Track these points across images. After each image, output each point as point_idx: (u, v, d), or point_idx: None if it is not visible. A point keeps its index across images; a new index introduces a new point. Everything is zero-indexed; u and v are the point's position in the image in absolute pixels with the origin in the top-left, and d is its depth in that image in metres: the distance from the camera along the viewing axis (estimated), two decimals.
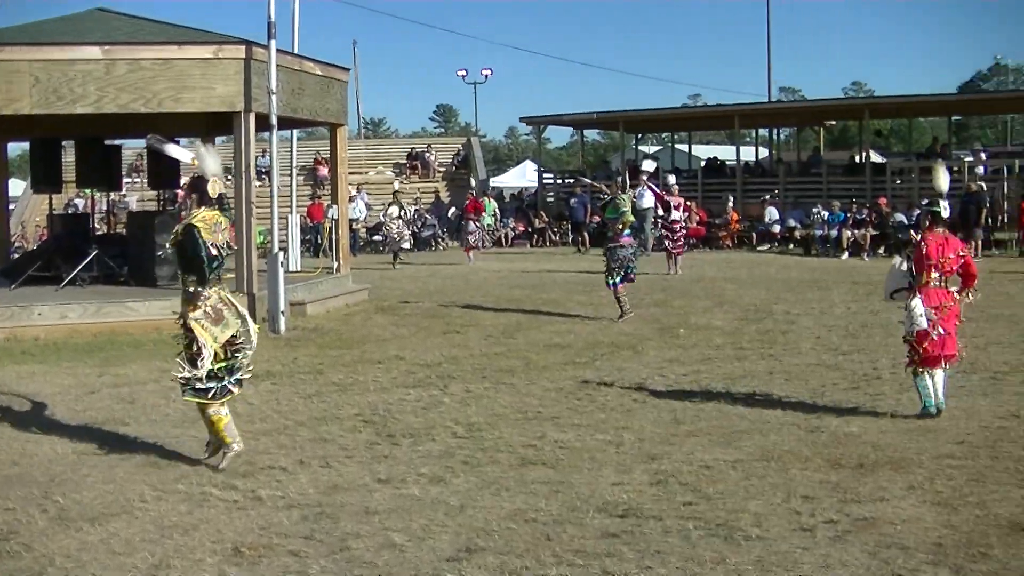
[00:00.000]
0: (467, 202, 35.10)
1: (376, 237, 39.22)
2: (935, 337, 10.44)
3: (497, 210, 40.13)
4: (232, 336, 8.98)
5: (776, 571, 6.52)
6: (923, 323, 10.37)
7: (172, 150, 9.60)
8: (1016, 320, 17.46)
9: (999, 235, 33.80)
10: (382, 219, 36.01)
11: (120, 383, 12.88)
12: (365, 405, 11.52)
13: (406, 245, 32.80)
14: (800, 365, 13.70)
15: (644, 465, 8.89)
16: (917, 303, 10.44)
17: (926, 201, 11.07)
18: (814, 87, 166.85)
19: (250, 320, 9.25)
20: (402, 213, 33.59)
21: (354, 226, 38.10)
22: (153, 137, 9.69)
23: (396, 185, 40.33)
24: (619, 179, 18.98)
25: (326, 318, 18.79)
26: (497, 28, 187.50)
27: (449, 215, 42.16)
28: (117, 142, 24.08)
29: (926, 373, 10.51)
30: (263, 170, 35.23)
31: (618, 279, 17.93)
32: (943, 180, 11.09)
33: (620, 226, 18.06)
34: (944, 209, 10.74)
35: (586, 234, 37.60)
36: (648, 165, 21.15)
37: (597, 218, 38.08)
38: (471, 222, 33.66)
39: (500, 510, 7.74)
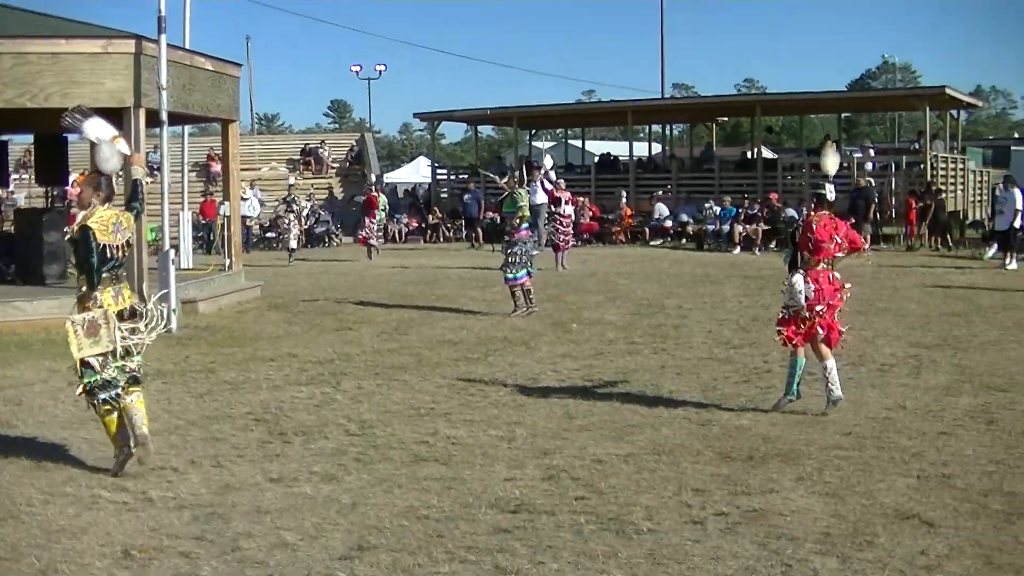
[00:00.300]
0: (364, 198, 34.97)
1: (269, 234, 38.97)
2: (815, 317, 10.59)
3: (387, 204, 39.83)
4: (101, 354, 8.65)
5: (667, 564, 6.58)
6: (801, 299, 10.48)
7: (92, 128, 9.08)
8: (903, 313, 17.84)
9: (887, 230, 34.45)
10: (278, 214, 35.91)
11: (6, 385, 12.61)
12: (257, 403, 11.42)
13: (293, 244, 32.32)
14: (692, 359, 13.85)
15: (536, 460, 8.93)
16: (799, 279, 10.52)
17: (817, 181, 11.06)
18: (707, 84, 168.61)
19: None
20: (293, 208, 33.43)
21: (248, 223, 37.73)
22: (75, 111, 9.16)
23: (292, 180, 39.92)
24: (516, 174, 19.01)
25: (218, 316, 18.61)
26: (391, 24, 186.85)
27: (353, 208, 41.89)
28: (4, 138, 23.60)
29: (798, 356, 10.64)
30: (154, 166, 34.69)
31: (520, 274, 17.98)
32: (831, 163, 11.24)
33: (517, 220, 18.13)
34: (829, 192, 10.84)
35: (480, 230, 37.64)
36: (547, 161, 21.14)
37: (491, 213, 38.24)
38: (366, 218, 33.56)
39: (392, 507, 7.73)
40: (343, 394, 11.87)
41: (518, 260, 17.97)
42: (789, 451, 9.08)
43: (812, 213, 10.77)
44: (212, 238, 35.21)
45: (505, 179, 19.05)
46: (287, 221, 32.91)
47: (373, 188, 36.22)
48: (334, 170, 47.86)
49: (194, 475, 8.65)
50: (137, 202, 9.09)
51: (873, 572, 6.42)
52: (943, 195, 33.82)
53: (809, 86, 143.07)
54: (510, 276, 18.08)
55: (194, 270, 22.31)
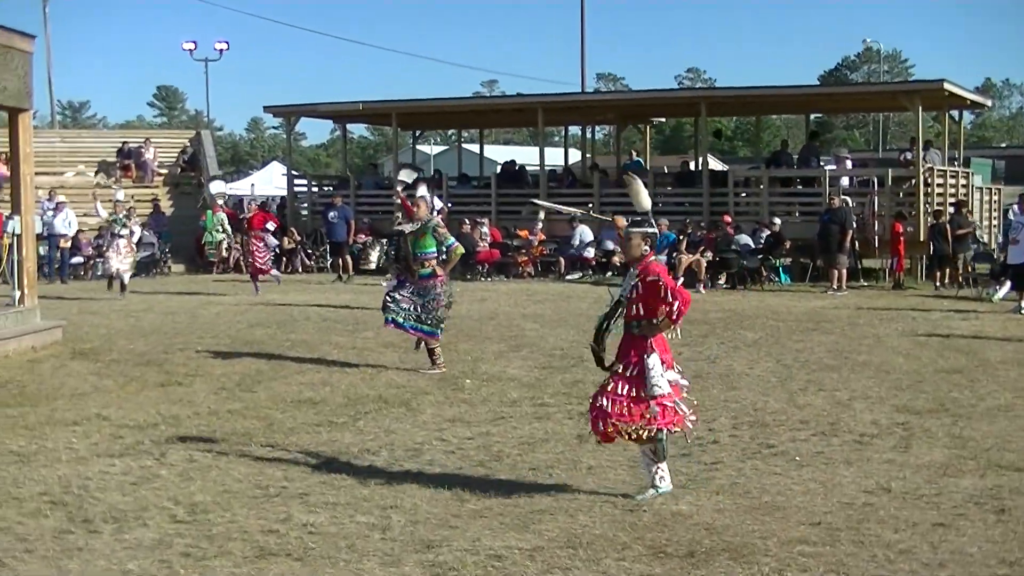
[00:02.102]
0: (251, 214, 34.27)
1: (75, 259, 38.45)
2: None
3: (227, 224, 39.08)
4: None
5: None
6: (665, 384, 10.61)
7: None
8: (887, 369, 17.99)
9: (868, 263, 34.81)
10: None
11: None
12: (54, 480, 11.27)
13: (127, 277, 31.13)
14: None
15: (417, 555, 8.91)
16: (656, 360, 10.67)
17: (637, 219, 10.97)
18: (640, 75, 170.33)
19: None
20: (122, 231, 31.98)
21: (62, 243, 37.23)
22: None
23: (120, 195, 39.16)
24: (425, 197, 18.51)
25: (3, 365, 18.38)
26: None
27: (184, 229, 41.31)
28: None
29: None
30: None
31: (439, 329, 17.89)
32: (643, 197, 11.25)
33: (442, 258, 17.92)
34: (656, 229, 11.02)
35: (348, 258, 37.56)
36: (405, 175, 20.61)
37: (363, 236, 38.04)
38: (256, 239, 32.87)
39: None
40: (169, 469, 11.76)
41: (441, 311, 17.89)
42: (740, 546, 9.11)
43: (648, 260, 10.81)
44: None
45: (413, 201, 18.55)
46: (115, 246, 31.68)
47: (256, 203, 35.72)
48: (161, 177, 47.37)
49: None
50: None
51: None
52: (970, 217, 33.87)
53: (769, 79, 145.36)
54: (439, 331, 17.94)
55: None
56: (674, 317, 10.58)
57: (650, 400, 10.49)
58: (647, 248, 10.74)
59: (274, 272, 32.40)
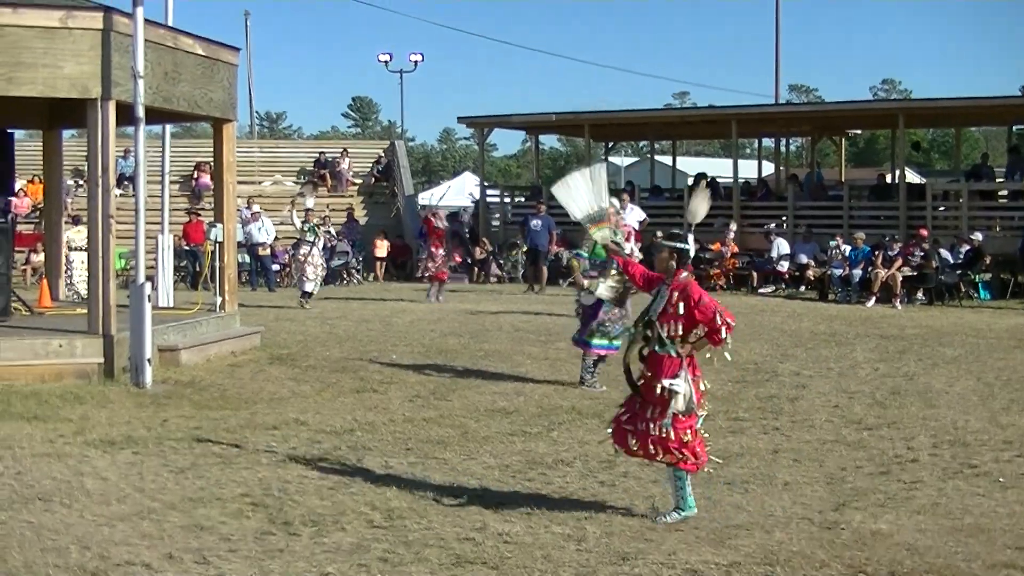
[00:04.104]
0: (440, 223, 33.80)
1: (273, 267, 38.91)
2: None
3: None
4: None
5: None
6: (689, 402, 10.35)
7: None
8: None
9: None
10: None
11: None
12: (255, 483, 11.46)
13: (309, 287, 31.07)
14: (813, 442, 13.76)
15: (612, 567, 8.91)
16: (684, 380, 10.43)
17: (673, 232, 10.72)
18: (834, 87, 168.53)
19: None
20: (314, 240, 31.83)
21: (261, 251, 37.76)
22: None
23: (309, 202, 39.54)
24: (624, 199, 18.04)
25: (205, 369, 18.70)
26: (431, 3, 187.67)
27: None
28: None
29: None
30: (126, 176, 35.02)
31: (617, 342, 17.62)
32: (702, 208, 11.01)
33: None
34: (690, 245, 10.74)
35: (544, 268, 37.14)
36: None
37: (556, 248, 37.74)
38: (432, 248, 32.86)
39: None
40: (365, 474, 11.89)
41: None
42: (943, 567, 8.96)
43: (683, 276, 10.47)
44: (198, 269, 35.26)
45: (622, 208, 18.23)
46: (304, 255, 31.64)
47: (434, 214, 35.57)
48: (355, 187, 47.98)
49: (172, 573, 8.67)
50: None
51: None
52: None
53: (968, 90, 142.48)
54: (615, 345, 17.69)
55: (175, 309, 22.40)
56: (719, 338, 10.30)
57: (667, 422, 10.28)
58: (674, 264, 10.51)
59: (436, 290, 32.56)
